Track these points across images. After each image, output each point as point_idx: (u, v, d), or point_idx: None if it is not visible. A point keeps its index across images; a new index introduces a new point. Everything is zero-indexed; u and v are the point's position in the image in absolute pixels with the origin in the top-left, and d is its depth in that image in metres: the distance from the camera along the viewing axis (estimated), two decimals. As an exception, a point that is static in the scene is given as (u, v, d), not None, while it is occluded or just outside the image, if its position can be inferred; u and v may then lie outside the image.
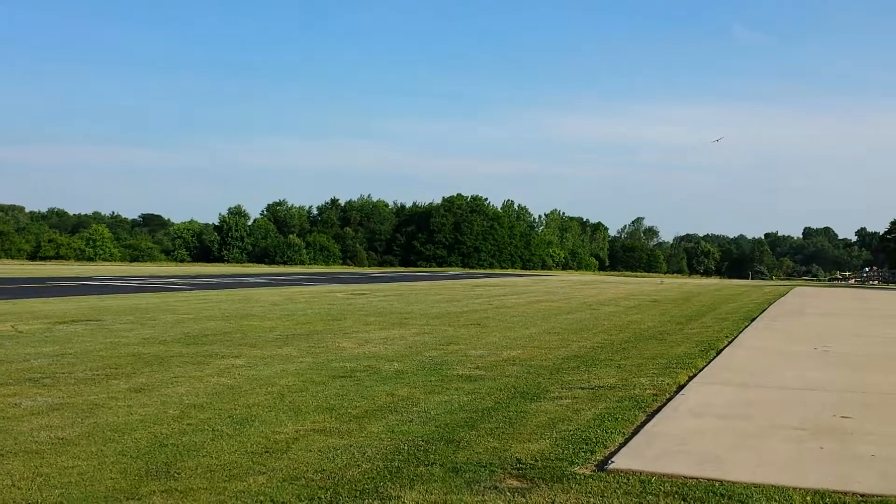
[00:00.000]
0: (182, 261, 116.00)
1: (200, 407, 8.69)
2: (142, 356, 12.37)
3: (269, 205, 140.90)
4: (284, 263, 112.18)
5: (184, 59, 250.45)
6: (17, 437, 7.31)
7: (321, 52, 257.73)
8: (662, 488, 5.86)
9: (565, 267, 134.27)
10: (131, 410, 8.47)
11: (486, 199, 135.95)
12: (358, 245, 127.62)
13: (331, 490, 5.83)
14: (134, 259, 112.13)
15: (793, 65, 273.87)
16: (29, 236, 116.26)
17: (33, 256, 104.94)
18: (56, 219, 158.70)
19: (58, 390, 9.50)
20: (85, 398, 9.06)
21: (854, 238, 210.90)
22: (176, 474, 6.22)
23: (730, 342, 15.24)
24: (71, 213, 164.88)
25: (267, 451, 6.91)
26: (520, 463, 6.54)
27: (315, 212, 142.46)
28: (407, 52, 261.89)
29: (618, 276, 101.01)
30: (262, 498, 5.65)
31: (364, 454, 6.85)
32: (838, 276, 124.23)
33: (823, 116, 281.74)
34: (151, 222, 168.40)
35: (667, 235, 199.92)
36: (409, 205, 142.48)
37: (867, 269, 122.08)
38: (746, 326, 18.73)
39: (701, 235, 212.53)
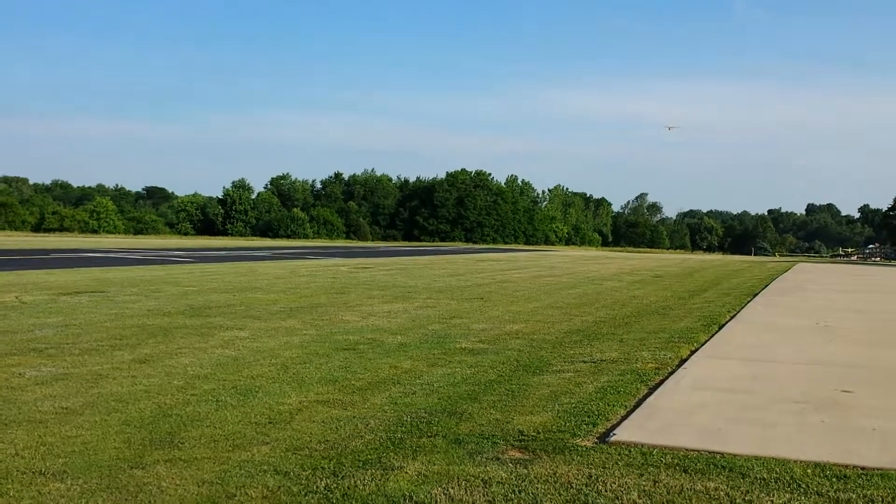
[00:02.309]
0: (186, 234, 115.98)
1: (204, 378, 8.72)
2: (146, 327, 12.40)
3: (272, 178, 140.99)
4: (288, 237, 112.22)
5: (187, 33, 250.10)
6: (20, 406, 7.34)
7: (325, 27, 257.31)
8: (664, 460, 5.88)
9: (568, 242, 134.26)
10: (135, 381, 8.50)
11: (489, 175, 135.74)
12: (361, 219, 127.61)
13: (334, 460, 5.86)
14: (138, 232, 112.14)
15: (794, 41, 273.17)
16: (33, 208, 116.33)
17: (37, 228, 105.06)
18: (60, 191, 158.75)
19: (62, 360, 9.53)
20: (89, 368, 9.09)
21: (857, 215, 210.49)
22: (180, 444, 6.25)
23: (732, 317, 15.25)
24: (75, 185, 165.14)
25: (270, 422, 6.94)
26: (522, 435, 6.57)
27: (319, 186, 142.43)
28: (411, 27, 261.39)
29: (621, 251, 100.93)
30: (265, 467, 5.68)
31: (367, 425, 6.88)
32: (841, 252, 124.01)
33: (826, 93, 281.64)
34: (155, 195, 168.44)
35: (670, 211, 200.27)
36: (412, 179, 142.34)
37: (870, 245, 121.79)
38: (749, 301, 18.74)
39: (704, 211, 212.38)
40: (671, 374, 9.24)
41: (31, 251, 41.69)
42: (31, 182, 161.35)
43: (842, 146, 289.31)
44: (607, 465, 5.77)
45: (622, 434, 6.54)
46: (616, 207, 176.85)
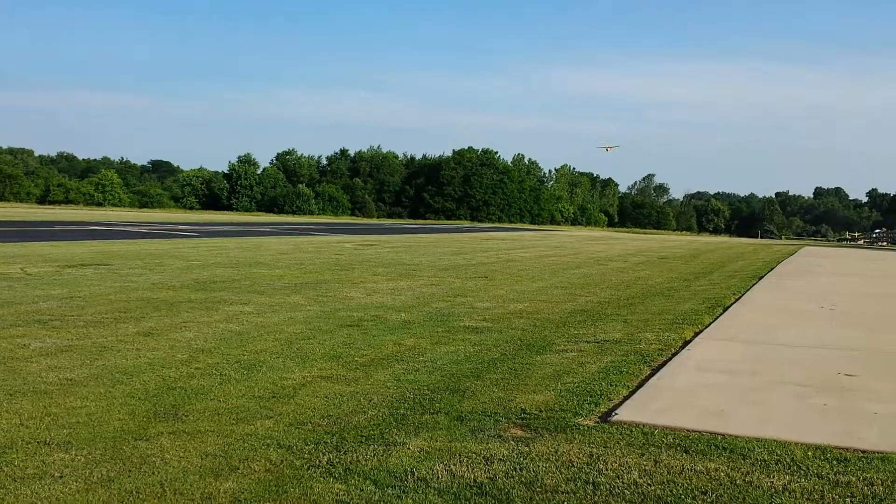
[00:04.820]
0: (191, 208, 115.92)
1: (208, 352, 8.75)
2: (151, 301, 12.43)
3: (278, 154, 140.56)
4: (293, 213, 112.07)
5: (196, 6, 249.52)
6: (25, 377, 7.38)
7: (334, 4, 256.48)
8: (665, 440, 5.90)
9: (574, 222, 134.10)
10: (140, 354, 8.53)
11: (496, 153, 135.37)
12: (367, 196, 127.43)
13: (337, 435, 5.89)
14: (143, 205, 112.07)
15: (805, 22, 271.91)
16: (38, 180, 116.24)
17: (42, 200, 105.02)
18: (65, 163, 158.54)
19: (66, 332, 9.57)
20: (93, 341, 9.13)
21: (865, 199, 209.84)
22: (184, 416, 6.28)
23: (737, 299, 15.24)
24: (80, 157, 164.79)
25: (274, 397, 6.97)
26: (524, 413, 6.59)
27: (324, 162, 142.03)
28: (420, 5, 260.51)
29: (627, 232, 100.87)
30: (268, 441, 5.71)
31: (370, 401, 6.90)
32: (847, 236, 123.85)
33: (837, 75, 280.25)
34: (160, 169, 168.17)
35: (677, 193, 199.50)
36: (418, 157, 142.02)
37: (876, 230, 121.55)
38: (754, 284, 18.72)
39: (711, 193, 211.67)
40: (674, 355, 9.25)
41: (36, 223, 41.74)
42: (36, 154, 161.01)
43: (851, 129, 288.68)
44: (609, 445, 5.79)
45: (624, 414, 6.56)
46: (623, 188, 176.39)
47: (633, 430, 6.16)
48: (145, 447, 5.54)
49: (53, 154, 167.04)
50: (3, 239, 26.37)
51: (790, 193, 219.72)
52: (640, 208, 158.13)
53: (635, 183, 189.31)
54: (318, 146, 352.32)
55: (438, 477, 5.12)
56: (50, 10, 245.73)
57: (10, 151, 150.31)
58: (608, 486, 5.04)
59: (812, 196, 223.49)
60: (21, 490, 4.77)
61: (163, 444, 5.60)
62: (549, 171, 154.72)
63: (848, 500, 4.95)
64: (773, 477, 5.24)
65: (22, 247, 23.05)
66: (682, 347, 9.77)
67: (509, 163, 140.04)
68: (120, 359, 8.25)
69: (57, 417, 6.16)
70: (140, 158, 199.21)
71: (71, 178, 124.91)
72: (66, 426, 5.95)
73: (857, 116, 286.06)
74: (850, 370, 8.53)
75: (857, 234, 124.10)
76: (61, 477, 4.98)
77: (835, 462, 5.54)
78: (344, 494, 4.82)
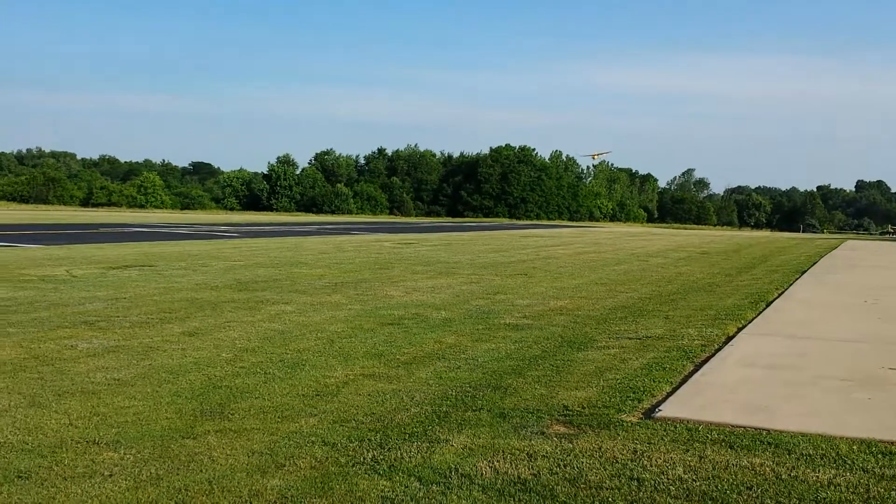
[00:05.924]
0: (232, 209, 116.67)
1: (252, 351, 8.84)
2: (194, 301, 12.56)
3: (316, 154, 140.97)
4: (332, 212, 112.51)
5: (235, 7, 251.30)
6: (73, 377, 7.49)
7: (372, 3, 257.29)
8: (710, 436, 5.89)
9: (613, 218, 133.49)
10: (185, 353, 8.63)
11: (533, 150, 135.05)
12: (405, 195, 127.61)
13: (380, 433, 5.94)
14: (184, 207, 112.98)
15: (843, 15, 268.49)
16: (81, 183, 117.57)
17: (85, 203, 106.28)
18: (107, 166, 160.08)
19: (113, 333, 9.69)
20: (140, 341, 9.24)
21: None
22: (230, 415, 6.35)
23: (780, 294, 15.12)
24: (122, 160, 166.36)
25: (318, 395, 7.03)
26: (567, 410, 6.60)
27: (362, 161, 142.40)
28: (458, 3, 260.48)
29: (667, 228, 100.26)
30: (313, 438, 5.77)
31: (413, 399, 6.94)
32: (889, 230, 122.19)
33: (878, 68, 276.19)
34: (201, 170, 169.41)
35: (717, 187, 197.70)
36: (456, 155, 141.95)
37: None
38: (796, 279, 18.56)
39: (752, 188, 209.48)
40: (718, 350, 9.21)
41: (80, 226, 42.23)
42: (78, 157, 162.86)
43: (893, 122, 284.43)
44: (653, 441, 5.79)
45: (668, 410, 6.55)
46: (662, 183, 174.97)
47: (678, 426, 6.15)
48: (193, 445, 5.62)
49: (96, 157, 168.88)
50: (49, 241, 26.73)
51: (832, 187, 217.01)
52: (680, 203, 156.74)
53: (675, 178, 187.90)
54: (355, 146, 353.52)
55: (482, 473, 5.14)
56: (93, 12, 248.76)
57: (53, 155, 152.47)
58: (653, 482, 5.04)
59: (854, 189, 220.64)
60: (72, 489, 4.85)
61: (210, 443, 5.67)
62: (588, 168, 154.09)
63: (894, 493, 4.92)
64: (819, 471, 5.21)
65: (67, 249, 23.34)
66: (725, 343, 9.72)
67: (547, 159, 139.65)
68: (166, 358, 8.35)
69: (105, 417, 6.25)
70: (181, 160, 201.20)
71: (113, 180, 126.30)
72: (114, 425, 6.04)
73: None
74: (894, 364, 8.45)
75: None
76: (111, 475, 5.06)
77: (880, 456, 5.50)
78: (389, 491, 4.86)
